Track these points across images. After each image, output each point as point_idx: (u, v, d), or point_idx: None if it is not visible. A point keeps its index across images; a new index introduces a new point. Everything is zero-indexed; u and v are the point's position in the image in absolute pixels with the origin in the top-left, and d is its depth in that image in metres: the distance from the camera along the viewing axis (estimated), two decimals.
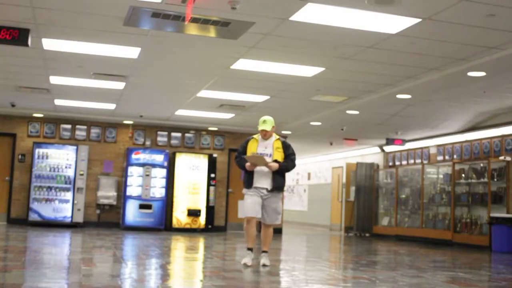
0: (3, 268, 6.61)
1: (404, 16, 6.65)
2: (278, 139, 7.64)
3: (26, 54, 9.01)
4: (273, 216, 7.59)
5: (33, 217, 14.71)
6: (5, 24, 7.54)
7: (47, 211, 14.79)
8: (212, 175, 15.88)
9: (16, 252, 8.47)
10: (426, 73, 9.21)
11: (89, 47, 8.50)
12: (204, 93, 11.61)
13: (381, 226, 17.42)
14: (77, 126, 15.80)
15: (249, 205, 7.51)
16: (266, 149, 7.54)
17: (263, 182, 7.48)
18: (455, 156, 15.35)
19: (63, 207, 14.93)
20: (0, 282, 5.61)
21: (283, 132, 16.70)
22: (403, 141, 16.48)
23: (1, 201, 15.33)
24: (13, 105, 14.06)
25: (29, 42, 7.77)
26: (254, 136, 7.74)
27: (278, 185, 7.52)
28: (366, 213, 17.97)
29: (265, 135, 7.58)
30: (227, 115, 14.38)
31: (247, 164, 7.46)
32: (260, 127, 7.55)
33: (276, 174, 7.49)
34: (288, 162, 7.55)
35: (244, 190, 7.61)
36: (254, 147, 7.56)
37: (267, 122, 7.53)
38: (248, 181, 7.54)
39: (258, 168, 7.45)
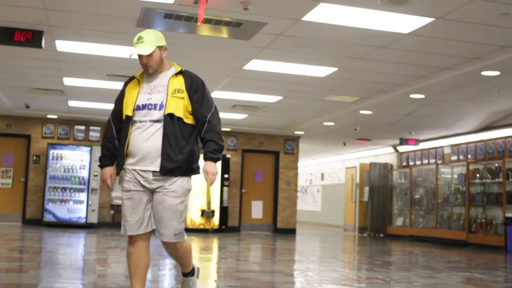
0: (19, 269, 6.66)
1: (416, 15, 6.62)
2: (181, 72, 4.20)
3: (40, 56, 9.07)
4: (170, 224, 4.03)
5: (48, 217, 14.79)
6: (19, 26, 7.59)
7: (62, 211, 14.87)
8: (226, 176, 15.89)
9: (31, 252, 8.53)
10: (439, 72, 9.16)
11: (103, 48, 8.54)
12: (217, 94, 11.62)
13: (395, 227, 17.35)
14: (91, 127, 15.88)
15: (126, 212, 4.07)
16: (153, 94, 4.07)
17: (146, 157, 4.02)
18: (469, 156, 15.27)
19: (78, 208, 15.00)
20: (16, 282, 5.66)
21: (296, 132, 16.70)
22: (417, 141, 16.41)
23: (17, 202, 15.43)
24: (27, 107, 14.16)
25: (43, 44, 7.82)
26: (137, 73, 4.26)
27: (177, 163, 4.02)
28: (380, 214, 17.91)
29: (148, 66, 4.08)
30: (240, 116, 14.39)
31: (104, 182, 4.21)
32: (136, 50, 4.05)
33: (174, 137, 4.02)
34: (209, 131, 4.11)
35: (119, 179, 4.19)
36: (134, 94, 4.10)
37: (145, 39, 4.05)
38: (119, 157, 4.15)
39: (138, 130, 4.04)
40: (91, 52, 8.77)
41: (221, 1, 6.35)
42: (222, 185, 15.79)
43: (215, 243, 12.16)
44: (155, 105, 4.04)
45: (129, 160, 4.07)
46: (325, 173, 24.34)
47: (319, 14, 6.65)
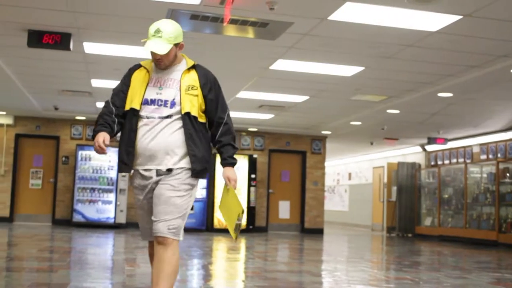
0: (50, 268, 6.74)
1: (444, 13, 6.55)
2: (193, 66, 3.90)
3: (68, 58, 9.17)
4: (164, 217, 3.68)
5: (77, 218, 14.95)
6: (48, 29, 7.68)
7: (91, 212, 15.02)
8: (253, 176, 15.91)
9: (61, 252, 8.63)
10: (467, 70, 9.06)
11: (129, 50, 8.60)
12: (243, 94, 11.65)
13: (424, 227, 17.21)
14: None
15: (140, 219, 3.95)
16: (164, 89, 3.77)
17: (152, 155, 3.75)
18: (499, 155, 15.08)
19: (106, 208, 15.14)
20: (47, 282, 5.73)
21: (323, 132, 16.65)
22: (445, 140, 16.25)
23: (46, 202, 15.63)
24: (56, 108, 14.33)
25: (71, 46, 7.91)
26: (145, 62, 3.96)
27: (205, 164, 3.83)
28: (408, 213, 17.78)
29: (160, 62, 3.78)
30: (267, 116, 14.39)
31: (96, 143, 3.81)
32: (149, 45, 3.70)
33: (192, 133, 3.76)
34: (226, 134, 3.95)
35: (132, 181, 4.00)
36: (142, 87, 3.80)
37: (163, 34, 3.69)
38: (121, 153, 3.93)
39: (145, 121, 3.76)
40: (118, 53, 8.84)
41: (247, 2, 6.36)
42: (249, 185, 15.81)
43: (242, 243, 12.18)
44: (166, 101, 3.74)
45: (136, 160, 3.82)
46: (352, 173, 24.24)
47: (345, 13, 6.62)
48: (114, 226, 15.05)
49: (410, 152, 19.51)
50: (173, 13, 6.81)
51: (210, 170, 4.12)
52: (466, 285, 6.53)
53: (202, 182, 15.52)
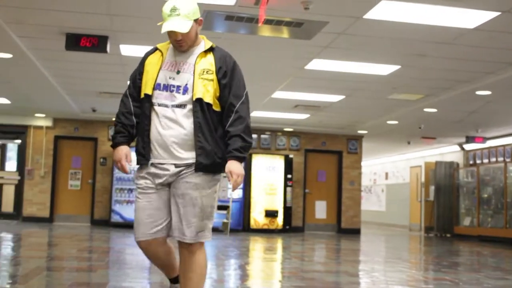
0: (89, 268, 6.83)
1: (482, 10, 6.45)
2: (211, 49, 3.55)
3: (105, 60, 9.28)
4: (195, 221, 3.41)
5: (115, 218, 15.12)
6: (85, 32, 7.80)
7: (128, 212, 15.16)
8: (289, 176, 15.90)
9: (100, 252, 8.74)
10: (506, 68, 8.91)
11: None
12: (278, 94, 11.64)
13: (463, 227, 16.97)
14: None
15: (138, 214, 3.49)
16: (179, 74, 3.43)
17: (164, 148, 3.42)
18: None
19: None
20: (86, 281, 5.81)
21: (359, 131, 16.55)
22: (484, 139, 16.00)
23: (85, 203, 15.85)
24: (94, 110, 14.54)
25: (108, 49, 8.01)
26: (161, 44, 3.63)
27: (214, 158, 3.44)
28: (446, 213, 17.55)
29: (182, 43, 3.43)
30: (302, 116, 14.36)
31: (117, 163, 3.53)
32: (168, 26, 3.33)
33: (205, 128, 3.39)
34: (237, 124, 3.43)
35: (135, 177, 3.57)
36: (155, 71, 3.48)
37: (181, 11, 3.35)
38: (138, 144, 3.52)
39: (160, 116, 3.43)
40: None
41: (282, 2, 6.36)
42: (285, 185, 15.79)
43: (279, 243, 12.18)
44: (179, 87, 3.39)
45: (152, 151, 3.45)
46: (389, 173, 24.05)
47: (380, 12, 6.57)
48: None
49: (448, 151, 19.26)
50: (208, 15, 6.84)
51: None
52: (508, 286, 6.42)
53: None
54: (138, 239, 3.47)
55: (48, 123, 15.71)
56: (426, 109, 12.48)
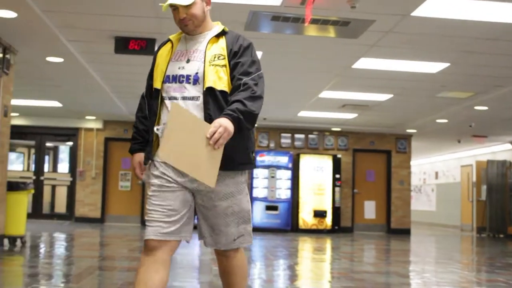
0: None
1: None
2: (223, 32, 3.17)
3: None
4: (231, 231, 3.17)
5: None
6: (133, 36, 7.91)
7: None
8: (337, 176, 15.83)
9: None
10: None
11: None
12: (326, 94, 11.60)
13: None
14: None
15: (151, 212, 3.04)
16: (189, 63, 3.08)
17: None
18: None
19: None
20: None
21: (408, 131, 16.35)
22: None
23: (135, 204, 16.06)
24: None
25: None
26: (173, 35, 3.28)
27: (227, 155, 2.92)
28: (499, 213, 17.18)
29: (186, 21, 3.09)
30: (350, 115, 14.27)
31: (135, 171, 3.29)
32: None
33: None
34: (241, 92, 2.97)
35: (145, 175, 3.22)
36: (165, 62, 3.16)
37: None
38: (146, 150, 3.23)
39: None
40: None
41: (328, 1, 6.33)
42: (334, 185, 15.73)
43: (328, 243, 12.13)
44: (188, 76, 3.02)
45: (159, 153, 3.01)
46: (439, 172, 23.69)
47: (428, 9, 6.48)
48: None
49: (500, 150, 18.86)
50: (254, 15, 6.86)
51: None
52: None
53: (286, 183, 15.60)
54: (149, 237, 2.98)
55: (98, 125, 16.02)
56: (476, 107, 12.25)
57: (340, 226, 15.82)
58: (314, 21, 6.92)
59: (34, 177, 16.03)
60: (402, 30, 7.32)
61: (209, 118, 2.90)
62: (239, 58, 3.03)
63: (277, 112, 14.27)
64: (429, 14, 6.65)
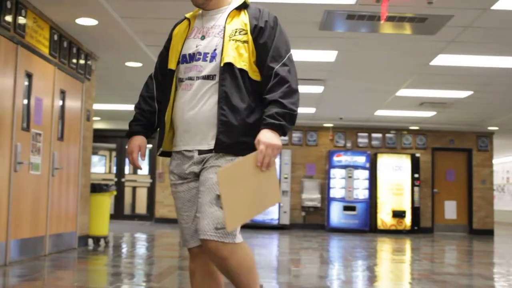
0: None
1: None
2: (244, 5, 2.82)
3: None
4: (209, 210, 2.64)
5: None
6: None
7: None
8: (416, 175, 15.57)
9: None
10: None
11: (295, 53, 8.74)
12: (403, 92, 11.42)
13: None
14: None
15: (179, 215, 2.86)
16: (205, 39, 2.78)
17: (191, 130, 2.75)
18: None
19: (270, 210, 15.43)
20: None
21: (490, 128, 15.88)
22: None
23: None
24: None
25: None
26: (189, 13, 2.97)
27: (240, 137, 2.67)
28: None
29: None
30: (428, 113, 14.00)
31: (129, 157, 2.94)
32: None
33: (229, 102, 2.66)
34: (275, 88, 2.65)
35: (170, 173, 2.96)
36: (181, 41, 2.86)
37: None
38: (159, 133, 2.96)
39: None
40: None
41: None
42: (413, 185, 15.49)
43: (407, 244, 11.93)
44: (206, 54, 2.73)
45: (174, 138, 2.85)
46: None
47: (509, 2, 6.28)
48: (278, 227, 15.35)
49: None
50: (329, 14, 6.84)
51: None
52: None
53: (363, 183, 15.45)
54: (190, 245, 2.82)
55: None
56: None
57: (420, 226, 15.54)
58: (390, 19, 6.84)
59: (115, 179, 16.51)
60: (482, 25, 7.12)
61: (224, 95, 2.64)
62: (267, 38, 2.72)
63: (354, 111, 14.16)
64: (510, 7, 6.44)
